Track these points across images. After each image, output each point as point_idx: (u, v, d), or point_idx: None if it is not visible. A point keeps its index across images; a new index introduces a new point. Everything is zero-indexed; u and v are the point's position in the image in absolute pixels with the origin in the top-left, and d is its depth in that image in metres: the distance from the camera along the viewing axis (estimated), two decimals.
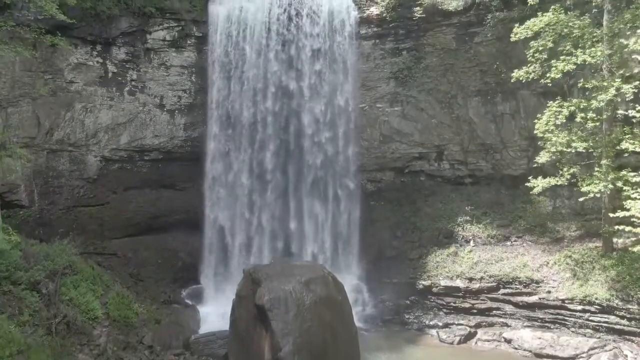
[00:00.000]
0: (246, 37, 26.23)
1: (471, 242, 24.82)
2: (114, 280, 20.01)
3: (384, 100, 27.28)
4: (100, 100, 23.78)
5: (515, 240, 24.10)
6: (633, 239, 16.58)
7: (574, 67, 18.28)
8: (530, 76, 19.74)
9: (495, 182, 26.52)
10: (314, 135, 26.75)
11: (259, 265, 18.73)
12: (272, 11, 26.26)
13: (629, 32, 17.59)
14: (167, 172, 26.75)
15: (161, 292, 22.80)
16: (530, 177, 20.57)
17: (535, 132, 19.50)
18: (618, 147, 17.86)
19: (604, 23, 18.93)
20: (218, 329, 21.57)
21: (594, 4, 18.70)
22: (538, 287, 21.19)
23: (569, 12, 19.03)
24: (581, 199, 18.79)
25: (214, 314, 23.18)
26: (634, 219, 16.29)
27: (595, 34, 18.66)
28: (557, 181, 19.60)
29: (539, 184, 20.00)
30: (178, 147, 26.49)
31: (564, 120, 18.44)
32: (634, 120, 16.92)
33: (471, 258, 23.56)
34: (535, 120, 19.70)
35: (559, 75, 18.58)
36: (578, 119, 18.13)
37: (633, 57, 16.97)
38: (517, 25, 20.92)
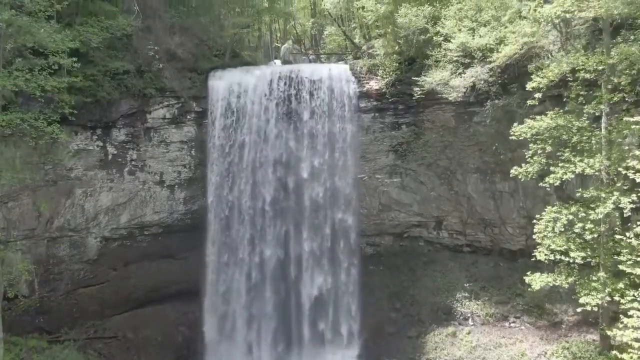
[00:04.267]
0: (246, 110, 26.27)
1: (470, 320, 25.00)
2: None
3: (383, 172, 27.40)
4: (100, 184, 23.81)
5: (513, 322, 24.28)
6: None
7: (573, 175, 18.33)
8: (529, 176, 19.77)
9: (494, 254, 26.72)
10: (313, 204, 26.89)
11: None
12: (272, 84, 26.34)
13: (627, 147, 17.68)
14: (167, 243, 26.77)
15: None
16: (528, 273, 20.52)
17: (534, 235, 19.51)
18: (616, 257, 17.93)
19: (603, 125, 18.93)
20: None
21: (592, 108, 18.63)
22: None
23: (567, 116, 19.03)
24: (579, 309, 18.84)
25: None
26: (631, 350, 16.42)
27: (595, 135, 18.63)
28: (556, 280, 19.69)
29: (537, 281, 20.03)
30: (178, 220, 26.54)
31: (562, 229, 18.48)
32: (632, 241, 16.98)
33: (470, 341, 23.70)
34: (539, 222, 19.41)
35: (557, 182, 18.64)
36: (577, 229, 18.19)
37: (631, 177, 16.98)
38: (517, 112, 21.18)
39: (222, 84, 26.26)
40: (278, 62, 41.16)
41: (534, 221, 19.79)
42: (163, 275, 26.83)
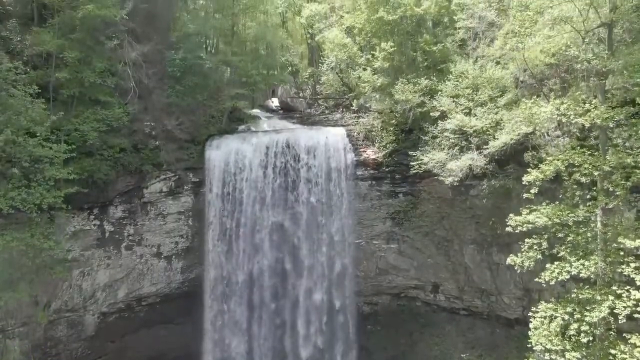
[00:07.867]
0: (243, 178, 26.33)
1: None
2: None
3: (380, 238, 27.48)
4: (97, 262, 23.82)
5: None
6: None
7: (568, 276, 18.35)
8: (525, 268, 19.76)
9: (491, 319, 26.79)
10: (311, 270, 27.01)
11: None
12: (269, 152, 26.36)
13: (622, 253, 17.70)
14: (164, 311, 26.88)
15: None
16: (526, 355, 20.59)
17: (529, 332, 19.51)
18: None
19: (598, 219, 18.91)
20: None
21: (588, 211, 18.58)
22: None
23: (563, 212, 19.00)
24: None
25: None
26: None
27: (591, 229, 18.62)
28: None
29: None
30: (175, 289, 26.62)
31: (558, 329, 18.51)
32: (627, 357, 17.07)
33: None
34: (535, 315, 19.43)
35: (553, 282, 18.65)
36: (572, 331, 18.23)
37: (625, 294, 17.05)
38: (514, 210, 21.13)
39: (218, 153, 26.24)
40: (275, 100, 41.24)
41: (530, 314, 19.86)
42: (161, 342, 26.90)
